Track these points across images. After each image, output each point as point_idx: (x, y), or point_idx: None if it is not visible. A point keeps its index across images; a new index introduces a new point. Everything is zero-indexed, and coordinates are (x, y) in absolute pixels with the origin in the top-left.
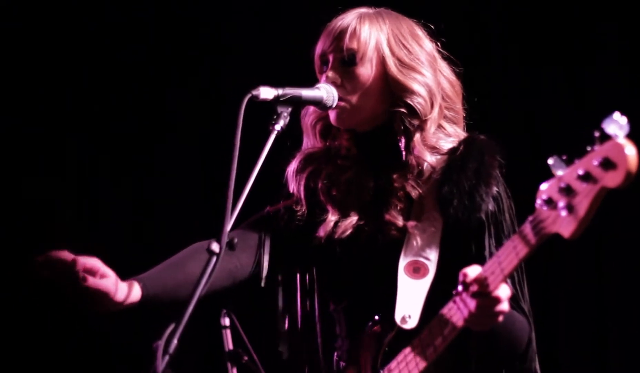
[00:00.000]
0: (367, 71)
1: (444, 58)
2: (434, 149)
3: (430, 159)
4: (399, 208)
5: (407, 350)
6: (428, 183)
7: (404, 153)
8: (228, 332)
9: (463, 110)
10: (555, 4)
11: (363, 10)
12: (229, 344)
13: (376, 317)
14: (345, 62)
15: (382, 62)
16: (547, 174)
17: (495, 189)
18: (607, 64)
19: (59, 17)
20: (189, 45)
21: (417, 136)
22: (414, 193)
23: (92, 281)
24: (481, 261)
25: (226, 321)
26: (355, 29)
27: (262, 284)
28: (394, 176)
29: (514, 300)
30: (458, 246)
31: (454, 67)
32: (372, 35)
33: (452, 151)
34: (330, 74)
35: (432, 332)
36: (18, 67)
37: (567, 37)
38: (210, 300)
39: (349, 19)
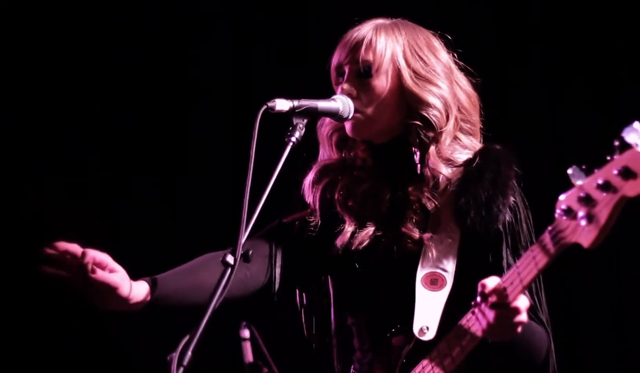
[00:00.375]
0: (382, 83)
1: (461, 69)
2: (449, 161)
3: (446, 171)
4: (414, 220)
5: (425, 361)
6: (444, 194)
7: (418, 165)
8: (248, 344)
9: (480, 122)
10: (578, 12)
11: (379, 21)
12: (249, 356)
13: (393, 329)
14: (361, 74)
15: (397, 74)
16: (567, 185)
17: (512, 199)
18: (629, 72)
19: (59, 17)
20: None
21: (432, 148)
22: (429, 205)
23: (100, 274)
24: (499, 271)
25: (246, 333)
26: (371, 40)
27: (275, 298)
28: (410, 188)
29: (532, 311)
30: (476, 257)
31: (471, 79)
32: (388, 46)
33: (467, 163)
34: (345, 86)
35: (450, 343)
36: (18, 67)
37: (589, 45)
38: (225, 310)
39: (365, 30)
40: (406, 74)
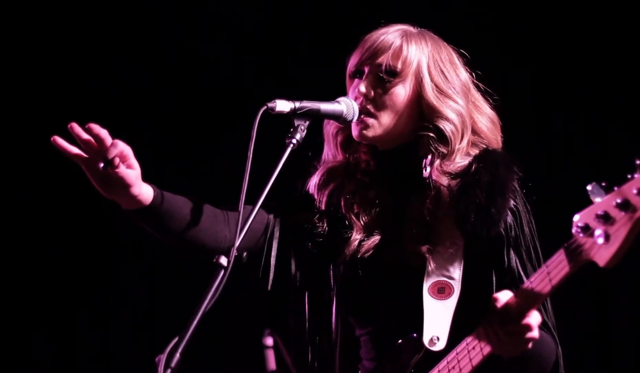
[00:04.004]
0: (402, 91)
1: (479, 90)
2: (451, 174)
3: (446, 182)
4: (417, 232)
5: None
6: (445, 203)
7: (424, 176)
8: (271, 352)
9: (501, 141)
10: (597, 32)
11: (406, 27)
12: (272, 364)
13: (402, 340)
14: (383, 78)
15: (419, 84)
16: (583, 202)
17: (512, 202)
18: None
19: (59, 17)
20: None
21: (438, 162)
22: (431, 216)
23: (122, 170)
24: (503, 275)
25: (269, 341)
26: (401, 47)
27: (269, 287)
28: (412, 199)
29: None
30: (480, 261)
31: (489, 98)
32: (415, 56)
33: (466, 168)
34: (362, 87)
35: (460, 355)
36: (18, 67)
37: (609, 64)
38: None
39: (393, 35)
40: (428, 86)
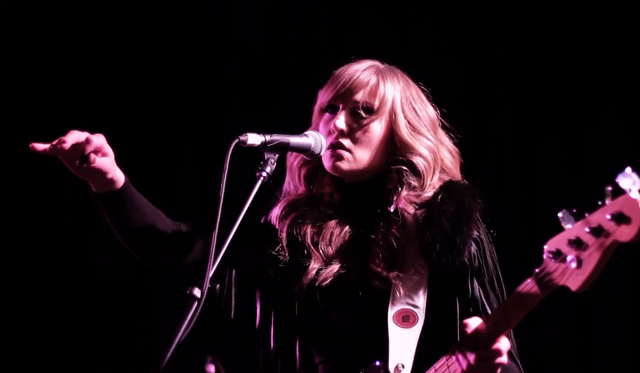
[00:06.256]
0: (378, 127)
1: (442, 127)
2: (417, 203)
3: (414, 212)
4: (382, 257)
5: None
6: (410, 231)
7: (392, 206)
8: None
9: (461, 177)
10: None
11: (377, 63)
12: None
13: (366, 368)
14: (358, 114)
15: (393, 120)
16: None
17: (475, 232)
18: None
19: (59, 18)
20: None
21: (406, 192)
22: (396, 243)
23: (98, 162)
24: (467, 304)
25: (211, 368)
26: (378, 84)
27: (232, 315)
28: (377, 226)
29: None
30: (445, 290)
31: (452, 135)
32: (390, 94)
33: (432, 198)
34: (341, 122)
35: None
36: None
37: (568, 98)
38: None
39: (368, 72)
40: (402, 123)
